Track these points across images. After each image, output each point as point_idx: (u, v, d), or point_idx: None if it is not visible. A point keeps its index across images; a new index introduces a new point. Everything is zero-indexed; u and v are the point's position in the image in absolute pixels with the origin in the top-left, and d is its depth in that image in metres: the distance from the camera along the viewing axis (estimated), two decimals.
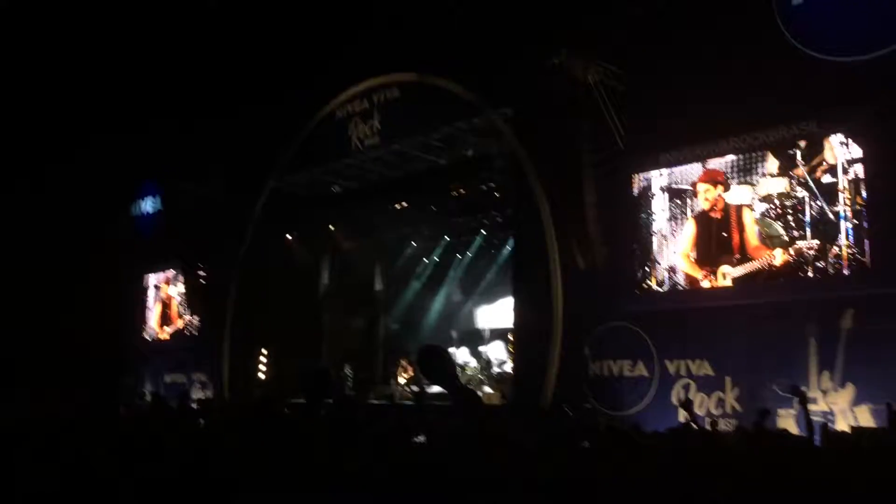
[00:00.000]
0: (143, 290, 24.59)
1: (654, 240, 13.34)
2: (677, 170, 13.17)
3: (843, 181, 11.20)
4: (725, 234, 12.39)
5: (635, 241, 13.55)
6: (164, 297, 23.83)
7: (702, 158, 12.80)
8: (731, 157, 12.47)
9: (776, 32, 11.83)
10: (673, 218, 13.17)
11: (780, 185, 11.83)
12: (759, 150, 12.12)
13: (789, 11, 11.88)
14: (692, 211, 12.92)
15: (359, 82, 18.30)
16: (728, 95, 12.25)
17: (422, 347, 4.13)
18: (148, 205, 24.86)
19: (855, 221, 11.04)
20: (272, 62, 19.58)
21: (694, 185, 12.89)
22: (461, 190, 18.65)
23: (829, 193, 11.30)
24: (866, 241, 10.91)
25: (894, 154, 10.76)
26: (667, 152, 13.20)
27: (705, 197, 12.70)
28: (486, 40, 15.24)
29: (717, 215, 12.52)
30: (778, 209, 11.81)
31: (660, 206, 13.34)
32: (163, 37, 20.89)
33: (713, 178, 12.65)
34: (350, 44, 18.25)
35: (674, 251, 13.11)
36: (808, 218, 11.49)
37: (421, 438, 5.54)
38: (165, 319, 23.71)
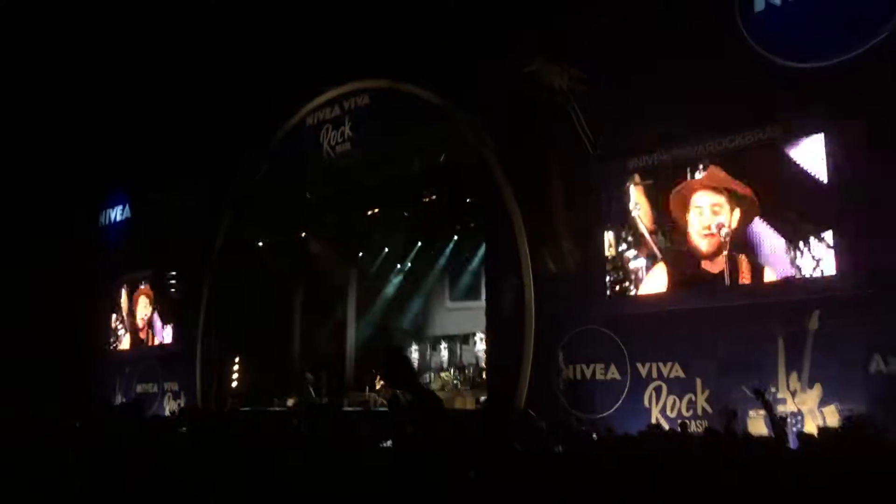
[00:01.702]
0: (112, 300, 24.24)
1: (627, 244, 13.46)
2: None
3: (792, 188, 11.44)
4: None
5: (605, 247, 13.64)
6: (134, 306, 23.52)
7: (672, 164, 12.91)
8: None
9: (739, 38, 12.02)
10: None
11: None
12: (725, 154, 12.28)
13: (751, 18, 12.08)
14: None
15: (330, 89, 18.27)
16: (695, 101, 12.42)
17: (384, 350, 4.16)
18: (116, 213, 24.55)
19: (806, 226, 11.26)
20: (242, 68, 19.48)
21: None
22: (433, 196, 18.65)
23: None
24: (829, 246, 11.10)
25: (856, 158, 10.97)
26: (637, 158, 13.32)
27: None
28: (458, 47, 15.32)
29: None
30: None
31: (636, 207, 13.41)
32: (132, 43, 20.69)
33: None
34: (321, 50, 18.22)
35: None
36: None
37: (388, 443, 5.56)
38: (135, 328, 23.39)
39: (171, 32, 19.78)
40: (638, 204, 13.31)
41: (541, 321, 14.09)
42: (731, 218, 12.11)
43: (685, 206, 12.71)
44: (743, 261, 11.94)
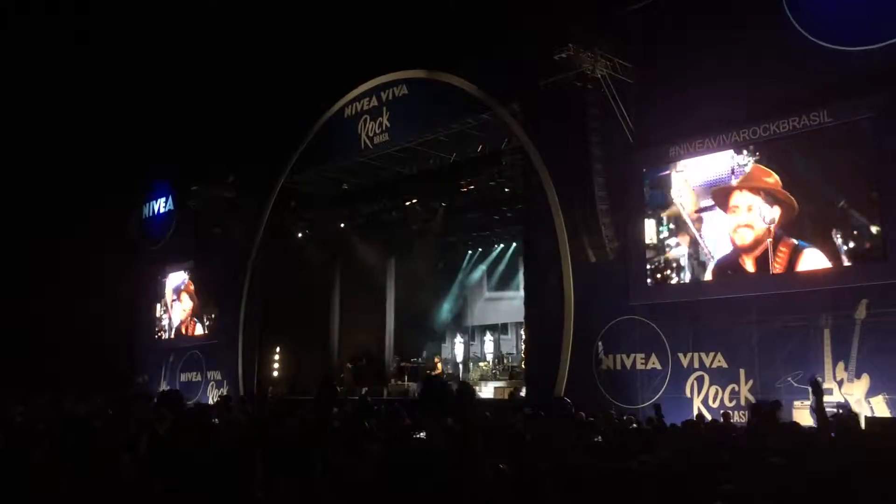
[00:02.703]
0: (156, 290, 24.74)
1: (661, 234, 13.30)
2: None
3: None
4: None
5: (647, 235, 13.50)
6: (177, 297, 23.97)
7: (711, 150, 12.71)
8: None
9: (784, 22, 11.75)
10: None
11: None
12: (768, 141, 12.04)
13: (798, 1, 11.79)
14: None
15: (367, 80, 18.34)
16: (737, 87, 12.19)
17: (425, 379, 4.20)
18: (160, 205, 25.01)
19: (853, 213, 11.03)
20: (281, 61, 19.66)
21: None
22: (471, 186, 18.64)
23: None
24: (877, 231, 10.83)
25: None
26: (677, 145, 13.13)
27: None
28: (493, 36, 15.24)
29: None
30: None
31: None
32: (175, 36, 21.03)
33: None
34: (359, 41, 18.27)
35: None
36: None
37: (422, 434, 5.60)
38: (178, 319, 23.84)
39: (214, 26, 20.04)
40: (681, 191, 13.13)
41: (579, 311, 14.01)
42: (768, 214, 11.89)
43: (725, 204, 12.49)
44: (785, 252, 11.70)
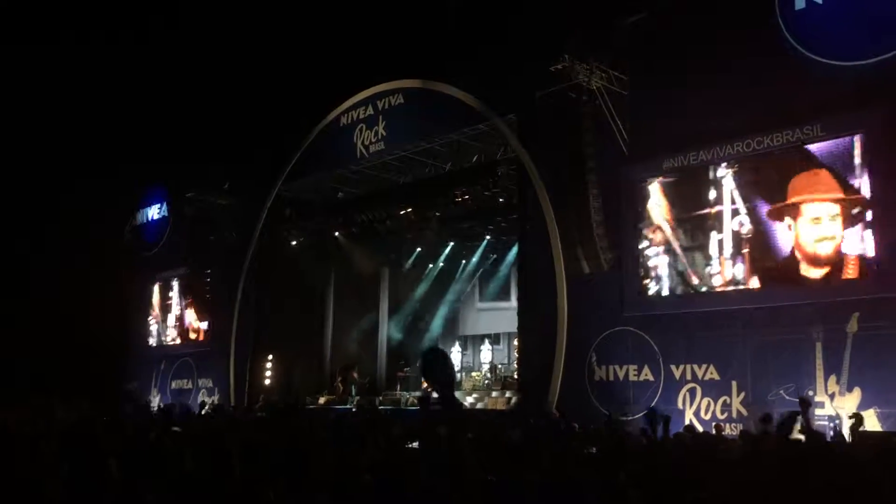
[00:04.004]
0: (148, 297, 24.65)
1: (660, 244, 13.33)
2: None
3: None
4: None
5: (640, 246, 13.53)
6: (170, 303, 23.89)
7: (704, 163, 12.77)
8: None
9: (779, 36, 11.84)
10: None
11: None
12: (762, 155, 12.10)
13: (793, 16, 11.88)
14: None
15: (363, 88, 18.38)
16: (730, 100, 12.26)
17: (428, 348, 4.17)
18: (154, 211, 24.96)
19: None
20: (277, 69, 19.70)
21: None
22: (465, 196, 18.67)
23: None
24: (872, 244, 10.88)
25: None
26: (671, 157, 13.18)
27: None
28: (490, 47, 15.31)
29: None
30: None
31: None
32: (174, 43, 21.06)
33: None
34: (355, 50, 18.33)
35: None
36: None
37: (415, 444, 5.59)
38: (170, 326, 23.75)
39: (208, 34, 20.07)
40: (658, 201, 13.21)
41: (573, 321, 14.02)
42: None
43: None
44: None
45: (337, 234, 21.74)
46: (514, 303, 18.48)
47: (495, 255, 22.50)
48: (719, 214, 12.52)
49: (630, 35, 13.61)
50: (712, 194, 12.63)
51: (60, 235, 22.67)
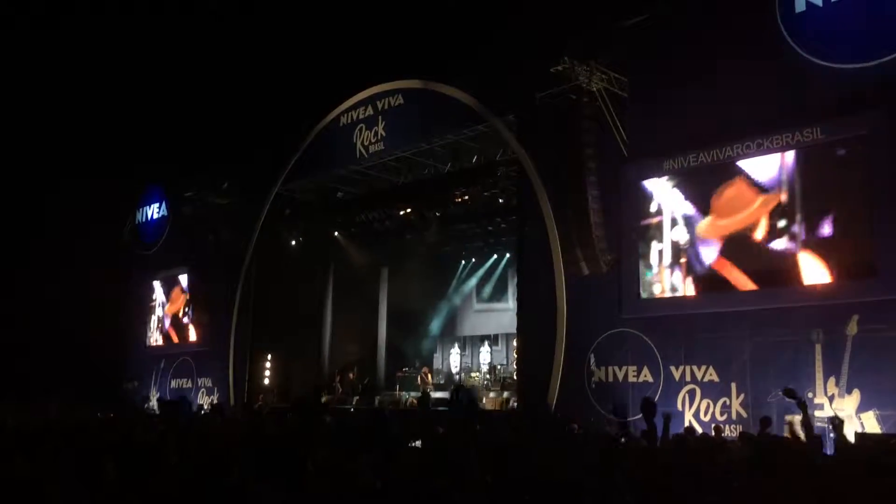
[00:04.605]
0: (148, 296, 24.65)
1: (660, 246, 13.35)
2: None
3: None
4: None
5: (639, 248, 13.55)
6: (169, 302, 23.89)
7: (705, 164, 12.78)
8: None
9: (779, 39, 11.85)
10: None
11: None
12: (762, 155, 12.12)
13: (792, 18, 11.89)
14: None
15: (363, 89, 18.37)
16: (731, 102, 12.28)
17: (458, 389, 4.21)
18: (153, 211, 24.95)
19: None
20: (278, 69, 19.71)
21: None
22: (465, 196, 18.67)
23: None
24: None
25: None
26: (670, 159, 13.19)
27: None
28: (490, 48, 15.31)
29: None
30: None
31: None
32: (173, 42, 21.07)
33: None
34: (355, 50, 18.34)
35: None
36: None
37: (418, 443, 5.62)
38: (169, 325, 23.75)
39: (208, 32, 20.07)
40: (661, 202, 13.25)
41: (572, 323, 14.03)
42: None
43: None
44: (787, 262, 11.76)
45: (336, 234, 21.73)
46: (512, 304, 18.46)
47: (495, 256, 22.50)
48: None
49: (630, 37, 13.61)
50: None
51: (59, 235, 22.67)
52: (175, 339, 23.46)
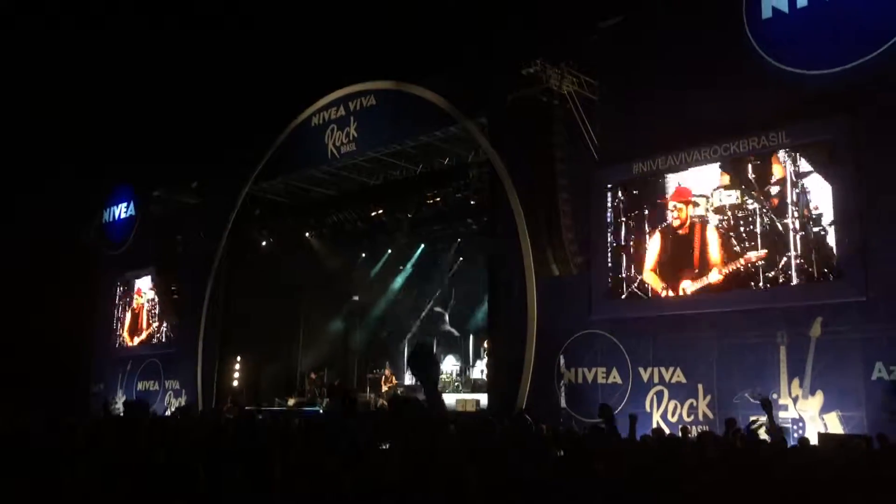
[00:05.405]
0: (115, 297, 24.28)
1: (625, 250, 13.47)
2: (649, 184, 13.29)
3: (791, 194, 11.48)
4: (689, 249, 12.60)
5: (608, 251, 13.65)
6: (136, 303, 23.56)
7: (673, 169, 12.92)
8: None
9: (746, 45, 12.02)
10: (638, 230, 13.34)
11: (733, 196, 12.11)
12: (727, 159, 12.29)
13: (759, 25, 12.07)
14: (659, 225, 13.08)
15: (335, 89, 18.29)
16: (699, 107, 12.44)
17: (418, 343, 4.19)
18: (121, 211, 24.60)
19: (803, 232, 11.30)
20: (249, 68, 19.57)
21: (665, 201, 13.04)
22: (437, 198, 18.67)
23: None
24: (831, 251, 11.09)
25: (859, 163, 10.96)
26: (640, 162, 13.31)
27: (675, 215, 12.87)
28: (462, 50, 15.35)
29: (684, 232, 12.69)
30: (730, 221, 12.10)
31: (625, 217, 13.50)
32: (143, 41, 20.83)
33: (684, 197, 12.81)
34: (327, 51, 18.27)
35: (643, 263, 13.22)
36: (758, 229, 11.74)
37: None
38: (137, 326, 23.42)
39: (179, 32, 19.87)
40: (630, 205, 13.37)
41: (542, 324, 14.08)
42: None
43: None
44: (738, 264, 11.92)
45: (308, 234, 21.60)
46: (484, 305, 18.47)
47: (466, 257, 22.52)
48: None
49: (601, 41, 13.72)
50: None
51: (28, 234, 22.28)
52: (142, 341, 23.14)
